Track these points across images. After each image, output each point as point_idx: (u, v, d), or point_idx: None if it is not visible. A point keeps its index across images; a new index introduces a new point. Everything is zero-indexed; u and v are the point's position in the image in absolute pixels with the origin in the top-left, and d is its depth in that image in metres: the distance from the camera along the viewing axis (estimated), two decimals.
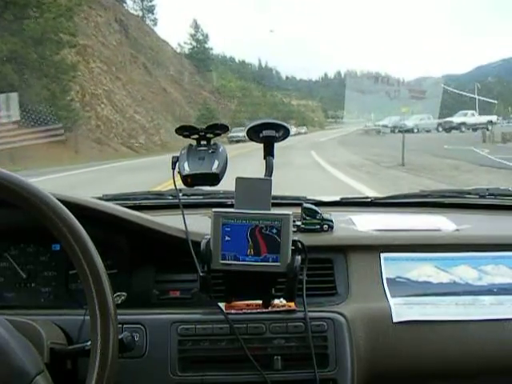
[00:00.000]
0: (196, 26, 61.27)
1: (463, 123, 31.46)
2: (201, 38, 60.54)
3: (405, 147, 12.39)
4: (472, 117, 32.53)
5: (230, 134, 33.14)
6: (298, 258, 0.94)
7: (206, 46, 61.35)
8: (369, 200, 1.56)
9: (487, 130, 28.79)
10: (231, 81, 59.54)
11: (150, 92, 36.25)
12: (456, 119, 32.41)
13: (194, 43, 60.20)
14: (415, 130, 32.59)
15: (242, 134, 27.16)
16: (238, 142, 26.77)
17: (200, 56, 57.32)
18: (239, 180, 0.93)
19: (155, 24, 54.06)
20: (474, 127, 30.47)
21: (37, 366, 0.72)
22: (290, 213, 0.92)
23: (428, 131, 33.49)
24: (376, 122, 38.52)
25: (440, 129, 33.60)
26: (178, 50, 57.84)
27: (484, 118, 32.22)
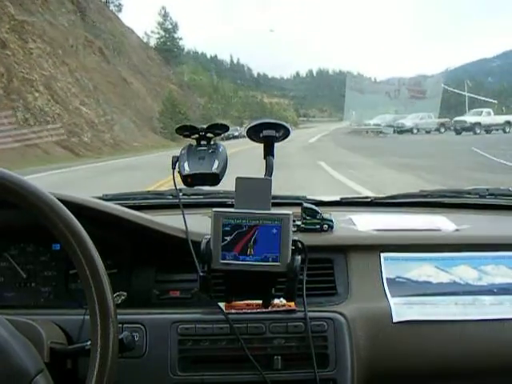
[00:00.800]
0: (165, 14, 56.27)
1: (477, 123, 26.21)
2: (170, 27, 55.68)
3: (450, 159, 8.89)
4: (488, 116, 27.38)
5: None
6: (298, 257, 0.93)
7: (176, 35, 56.49)
8: (369, 200, 1.56)
9: (504, 132, 25.63)
10: (202, 75, 55.40)
11: (107, 81, 30.98)
12: (469, 118, 27.12)
13: (163, 32, 55.23)
14: (414, 131, 29.56)
15: None
16: None
17: (169, 46, 52.94)
18: (239, 180, 0.93)
19: (120, 10, 48.61)
20: (489, 128, 26.41)
21: (37, 365, 0.72)
22: (290, 213, 0.92)
23: (428, 132, 30.05)
24: (363, 120, 34.24)
25: (442, 129, 29.94)
26: (145, 40, 53.20)
27: (501, 118, 27.72)
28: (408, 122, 30.47)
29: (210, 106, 47.10)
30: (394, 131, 28.97)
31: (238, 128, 29.36)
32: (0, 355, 0.69)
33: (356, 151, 16.30)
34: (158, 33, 55.43)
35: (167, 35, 55.37)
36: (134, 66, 39.60)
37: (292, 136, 1.02)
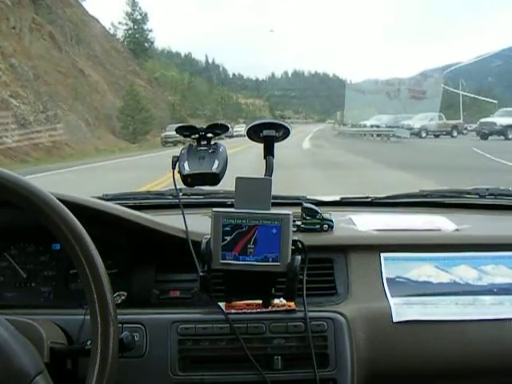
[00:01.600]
0: (134, 4, 50.56)
1: (510, 126, 21.18)
2: (139, 17, 50.38)
3: None
4: None
5: (165, 133, 24.42)
6: (298, 257, 0.94)
7: (145, 27, 50.83)
8: (369, 200, 1.56)
9: None
10: (174, 71, 51.89)
11: (56, 71, 25.58)
12: (499, 120, 21.80)
13: (131, 23, 49.50)
14: (423, 134, 24.99)
15: None
16: (175, 144, 19.63)
17: (138, 39, 48.83)
18: (239, 180, 0.93)
19: None
20: None
21: (37, 366, 0.72)
22: (290, 212, 0.92)
23: (437, 136, 25.21)
24: (357, 121, 30.27)
25: (455, 133, 25.45)
26: (112, 31, 47.78)
27: None
28: (416, 123, 25.78)
29: (181, 104, 44.26)
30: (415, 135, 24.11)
31: None
32: (0, 355, 0.69)
33: (394, 166, 9.83)
34: (126, 24, 50.41)
35: (136, 26, 50.51)
36: (94, 56, 34.26)
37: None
